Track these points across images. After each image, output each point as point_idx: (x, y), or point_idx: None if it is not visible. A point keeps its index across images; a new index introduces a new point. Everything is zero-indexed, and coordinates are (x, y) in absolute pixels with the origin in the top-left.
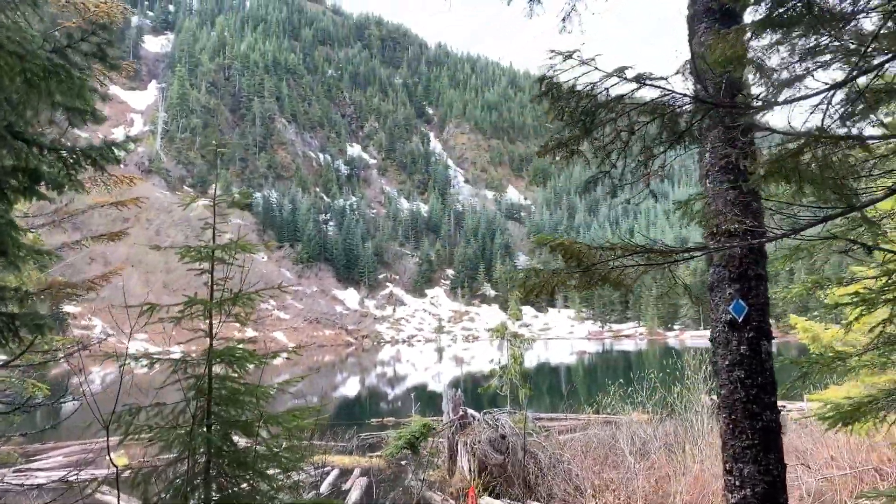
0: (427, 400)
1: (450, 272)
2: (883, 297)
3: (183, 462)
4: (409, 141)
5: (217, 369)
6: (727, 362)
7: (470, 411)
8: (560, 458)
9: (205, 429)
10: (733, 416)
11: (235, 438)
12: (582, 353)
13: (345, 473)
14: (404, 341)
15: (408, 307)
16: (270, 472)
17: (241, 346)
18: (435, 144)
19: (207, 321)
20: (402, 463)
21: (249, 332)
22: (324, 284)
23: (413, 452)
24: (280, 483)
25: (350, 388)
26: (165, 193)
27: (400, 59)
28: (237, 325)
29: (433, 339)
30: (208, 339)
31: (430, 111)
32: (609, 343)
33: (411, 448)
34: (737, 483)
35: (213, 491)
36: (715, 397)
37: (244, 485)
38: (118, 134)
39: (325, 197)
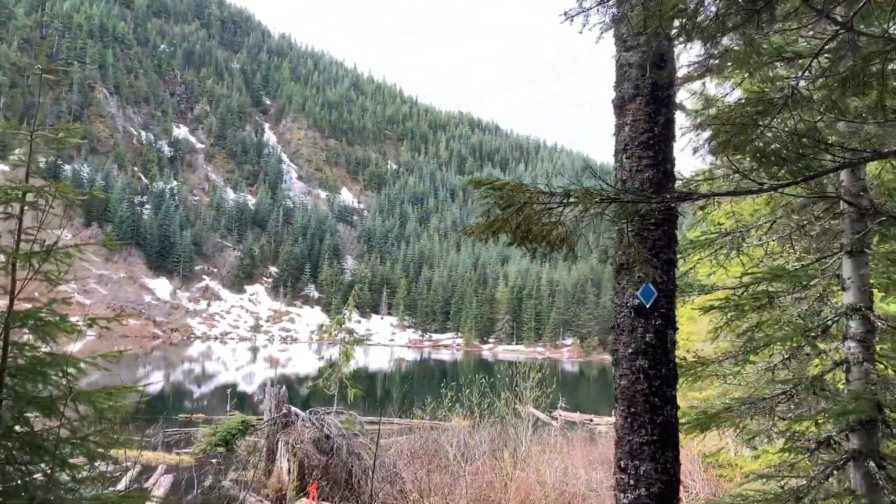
0: (239, 401)
1: (273, 270)
2: (753, 303)
3: None
4: (242, 129)
5: (19, 336)
6: (630, 350)
7: (294, 409)
8: (385, 461)
9: None
10: (633, 410)
11: (35, 419)
12: (401, 360)
13: (147, 470)
14: (217, 338)
15: (224, 302)
16: (74, 460)
17: (50, 306)
18: (269, 136)
19: (9, 275)
20: (214, 461)
21: (44, 314)
22: (133, 271)
23: (228, 450)
24: (84, 473)
25: (153, 383)
26: None
27: (240, 44)
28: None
29: (249, 338)
30: (7, 298)
31: (268, 101)
32: (427, 352)
33: (226, 446)
34: (631, 482)
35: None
36: (531, 408)
37: (39, 474)
38: None
39: (143, 178)
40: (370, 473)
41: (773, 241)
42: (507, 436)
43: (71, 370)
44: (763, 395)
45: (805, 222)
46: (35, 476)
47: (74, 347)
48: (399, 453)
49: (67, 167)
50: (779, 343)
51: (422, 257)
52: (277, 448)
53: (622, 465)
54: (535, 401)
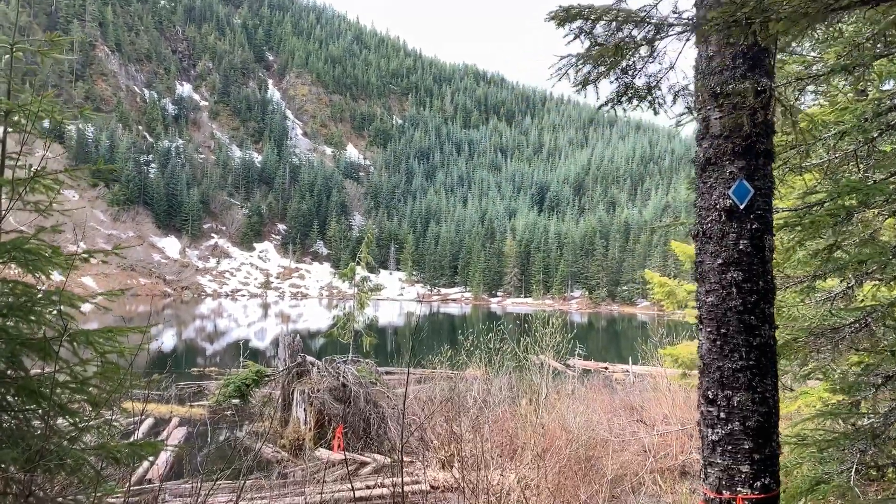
0: (252, 356)
1: (281, 227)
2: (829, 219)
3: None
4: (246, 86)
5: (8, 273)
6: (719, 261)
7: (309, 358)
8: (407, 409)
9: None
10: (723, 331)
11: (29, 363)
12: (411, 314)
13: (161, 423)
14: (227, 295)
15: (233, 260)
16: (75, 406)
17: (38, 236)
18: (273, 92)
19: None
20: (228, 413)
21: (56, 276)
22: (141, 230)
23: (242, 401)
24: (87, 421)
25: (165, 340)
26: None
27: None
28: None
29: (259, 295)
30: None
31: (271, 57)
32: (437, 306)
33: (240, 397)
34: (721, 415)
35: None
36: (546, 357)
37: (36, 421)
38: None
39: (148, 136)
40: (388, 422)
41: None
42: (526, 383)
43: (68, 309)
44: (833, 325)
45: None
46: (32, 423)
47: (86, 307)
48: (417, 402)
49: (71, 126)
50: (854, 266)
51: (429, 212)
52: (293, 398)
53: (710, 396)
54: (552, 349)
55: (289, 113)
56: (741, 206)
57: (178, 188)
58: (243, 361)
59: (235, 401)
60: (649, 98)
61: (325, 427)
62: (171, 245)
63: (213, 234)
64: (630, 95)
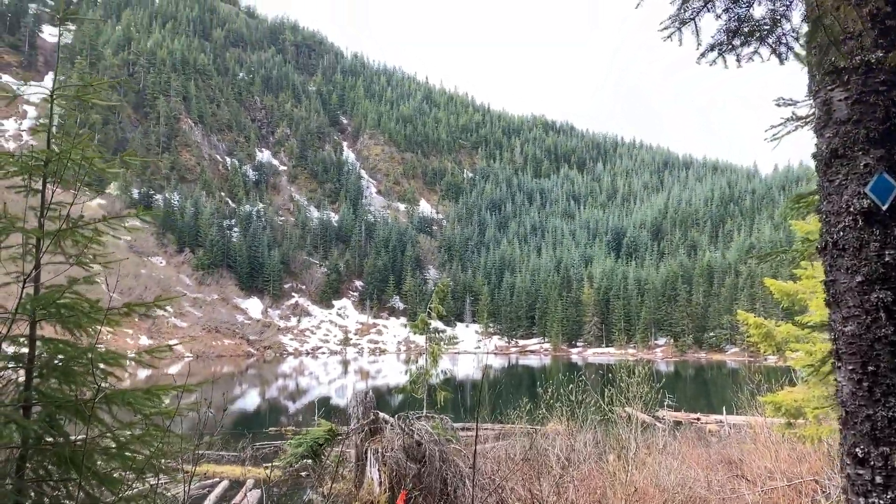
0: (330, 413)
1: (359, 284)
2: None
3: None
4: (322, 149)
5: (50, 331)
6: (860, 278)
7: (382, 415)
8: (482, 468)
9: (21, 411)
10: (871, 368)
11: (74, 428)
12: (488, 366)
13: (235, 486)
14: (308, 353)
15: (313, 318)
16: (117, 474)
17: (72, 287)
18: (348, 154)
19: (33, 257)
20: (303, 474)
21: (144, 340)
22: (225, 292)
23: (315, 462)
24: (129, 490)
25: (249, 400)
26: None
27: (315, 67)
28: (128, 331)
29: (339, 352)
30: (32, 284)
31: (345, 120)
32: (515, 358)
33: (313, 457)
34: (877, 479)
35: (30, 501)
36: (633, 409)
37: (75, 490)
38: (9, 126)
39: (230, 202)
40: (466, 482)
41: None
42: (613, 437)
43: (103, 366)
44: None
45: None
46: (70, 491)
47: (173, 369)
48: (496, 459)
49: (158, 196)
50: None
51: (503, 263)
52: (366, 457)
53: (858, 455)
54: (640, 399)
55: (363, 172)
56: (883, 207)
57: (260, 250)
58: (317, 420)
59: (308, 461)
60: (771, 39)
61: (398, 488)
62: (253, 306)
63: (293, 294)
64: (744, 35)
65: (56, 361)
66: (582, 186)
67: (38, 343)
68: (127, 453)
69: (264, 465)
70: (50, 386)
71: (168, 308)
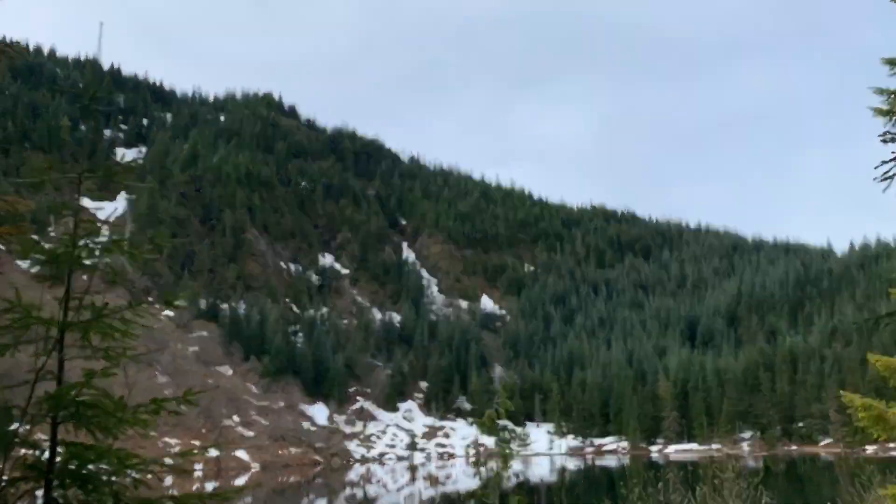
0: None
1: (423, 385)
2: None
3: None
4: (382, 251)
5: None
6: None
7: None
8: None
9: None
10: None
11: None
12: (563, 469)
13: None
14: (375, 459)
15: (379, 422)
16: None
17: (88, 384)
18: (408, 254)
19: (56, 351)
20: None
21: (213, 452)
22: (291, 399)
23: None
24: None
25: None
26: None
27: (373, 172)
28: (195, 442)
29: (406, 457)
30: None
31: (403, 222)
32: (591, 458)
33: None
34: None
35: None
36: None
37: None
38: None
39: (295, 308)
40: None
41: None
42: None
43: (134, 474)
44: None
45: None
46: None
47: (240, 480)
48: None
49: (224, 306)
50: None
51: (571, 358)
52: None
53: None
54: (737, 497)
55: (423, 272)
56: None
57: (324, 355)
58: None
59: None
60: None
61: None
62: (319, 412)
63: (358, 398)
64: None
65: (72, 467)
66: (649, 275)
67: (60, 449)
68: None
69: None
70: (69, 496)
71: (235, 417)
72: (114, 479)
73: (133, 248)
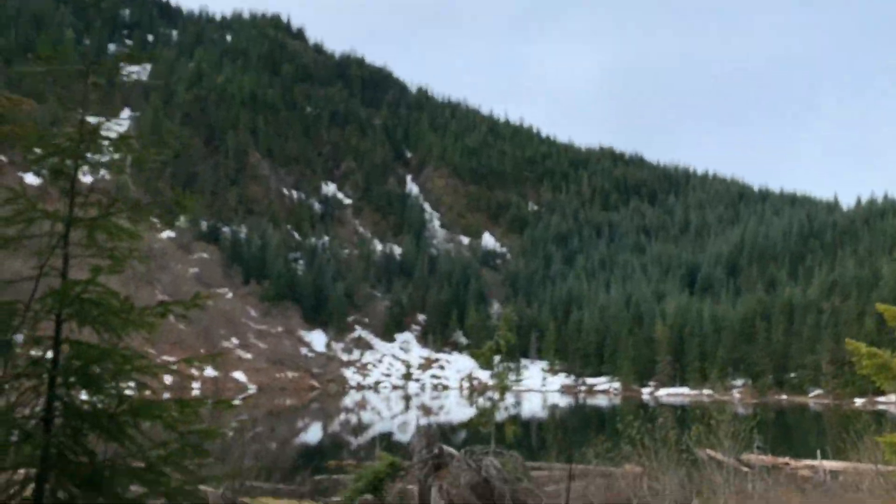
0: (392, 449)
1: (421, 317)
2: None
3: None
4: (386, 182)
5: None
6: None
7: (447, 449)
8: None
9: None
10: None
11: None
12: (554, 406)
13: None
14: (371, 387)
15: (376, 352)
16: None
17: (94, 280)
18: (412, 187)
19: (60, 247)
20: None
21: (209, 372)
22: (290, 325)
23: (376, 497)
24: None
25: (311, 434)
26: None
27: (380, 101)
28: (198, 366)
29: (401, 386)
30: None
31: (409, 154)
32: (582, 398)
33: (374, 491)
34: None
35: None
36: (712, 453)
37: None
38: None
39: (296, 235)
40: None
41: None
42: (701, 482)
43: (136, 376)
44: None
45: None
46: None
47: (237, 401)
48: (573, 501)
49: (226, 229)
50: None
51: (570, 298)
52: (430, 494)
53: None
54: (730, 439)
55: (426, 206)
56: None
57: (324, 283)
58: (378, 454)
59: (368, 496)
60: None
61: None
62: (317, 338)
63: (356, 326)
64: None
65: (76, 364)
66: (653, 219)
67: (66, 347)
68: (158, 476)
69: (322, 499)
70: (74, 395)
71: (234, 339)
72: (118, 380)
73: (143, 147)
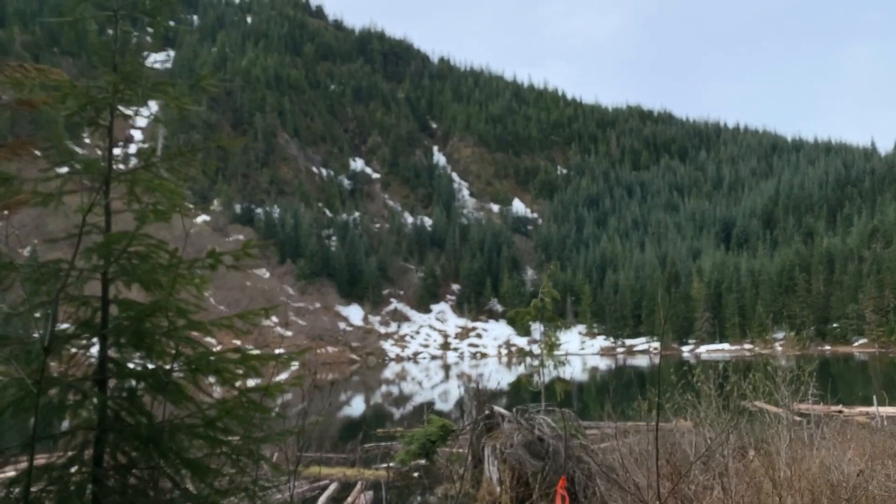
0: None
1: (455, 287)
2: None
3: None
4: (413, 155)
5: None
6: None
7: (498, 409)
8: (613, 466)
9: (97, 386)
10: None
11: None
12: (595, 369)
13: (346, 487)
14: (409, 358)
15: (413, 323)
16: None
17: (138, 234)
18: (439, 158)
19: (102, 204)
20: (416, 475)
21: (254, 350)
22: (327, 301)
23: (428, 461)
24: (227, 480)
25: (354, 407)
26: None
27: (402, 74)
28: (236, 342)
29: (439, 356)
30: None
31: (434, 125)
32: (622, 359)
33: (426, 456)
34: None
35: (112, 492)
36: (760, 404)
37: (161, 478)
38: (116, 151)
39: (327, 212)
40: (597, 480)
41: None
42: (754, 433)
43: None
44: None
45: None
46: (160, 485)
47: (280, 377)
48: (626, 456)
49: (259, 210)
50: None
51: (604, 261)
52: (484, 455)
53: None
54: (789, 389)
55: (455, 175)
56: None
57: (358, 258)
58: (427, 418)
59: (422, 461)
60: None
61: (520, 487)
62: (354, 313)
63: (392, 299)
64: None
65: (126, 323)
66: (685, 176)
67: (114, 309)
68: (217, 433)
69: (374, 466)
70: (126, 356)
71: (273, 318)
72: (171, 338)
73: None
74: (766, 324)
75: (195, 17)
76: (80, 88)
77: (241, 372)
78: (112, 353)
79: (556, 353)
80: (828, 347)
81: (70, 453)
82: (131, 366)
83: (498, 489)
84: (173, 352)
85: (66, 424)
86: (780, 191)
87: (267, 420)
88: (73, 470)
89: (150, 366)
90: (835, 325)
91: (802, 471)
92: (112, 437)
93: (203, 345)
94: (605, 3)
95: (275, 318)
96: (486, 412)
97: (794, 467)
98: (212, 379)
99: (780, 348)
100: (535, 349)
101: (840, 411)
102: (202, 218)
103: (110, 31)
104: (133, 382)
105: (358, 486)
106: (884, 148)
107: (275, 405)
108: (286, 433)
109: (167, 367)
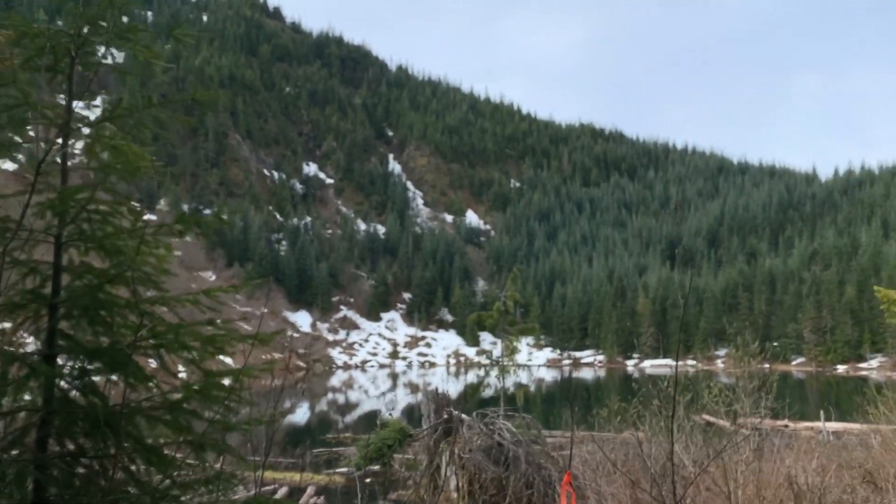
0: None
1: (406, 296)
2: None
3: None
4: (368, 161)
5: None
6: None
7: (458, 413)
8: (574, 475)
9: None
10: None
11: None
12: (540, 380)
13: (295, 493)
14: (357, 366)
15: (362, 331)
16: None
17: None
18: (394, 166)
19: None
20: (368, 480)
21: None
22: (274, 306)
23: (383, 466)
24: (189, 472)
25: (298, 415)
26: None
27: (360, 79)
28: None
29: (388, 365)
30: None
31: (390, 132)
32: (568, 370)
33: (381, 460)
34: None
35: (57, 482)
36: (709, 417)
37: (111, 467)
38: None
39: (278, 216)
40: (556, 487)
41: None
42: (712, 444)
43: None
44: None
45: None
46: (112, 473)
47: (224, 381)
48: (584, 464)
49: (207, 211)
50: None
51: (553, 274)
52: (441, 460)
53: None
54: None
55: (409, 184)
56: None
57: (308, 263)
58: (384, 417)
59: (375, 467)
60: None
61: (478, 495)
62: (302, 319)
63: (341, 307)
64: None
65: (82, 292)
66: (633, 194)
67: (67, 277)
68: (181, 418)
69: (325, 471)
70: (80, 330)
71: (218, 322)
72: (131, 311)
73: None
74: (709, 341)
75: (150, 14)
76: (38, 29)
77: (210, 350)
78: (63, 326)
79: (515, 356)
80: (767, 365)
81: (10, 437)
82: (86, 341)
83: (455, 496)
84: (135, 326)
85: (5, 404)
86: (725, 211)
87: (232, 408)
88: (12, 455)
89: (107, 341)
90: (775, 343)
91: (766, 481)
92: (59, 420)
93: (166, 321)
94: (561, 22)
95: (219, 323)
96: (445, 416)
97: (757, 476)
98: (175, 358)
99: (721, 364)
100: (497, 351)
101: (786, 426)
102: (147, 217)
103: (59, 23)
104: (86, 360)
105: (308, 491)
106: (824, 174)
107: (247, 390)
108: (255, 422)
109: (127, 342)
